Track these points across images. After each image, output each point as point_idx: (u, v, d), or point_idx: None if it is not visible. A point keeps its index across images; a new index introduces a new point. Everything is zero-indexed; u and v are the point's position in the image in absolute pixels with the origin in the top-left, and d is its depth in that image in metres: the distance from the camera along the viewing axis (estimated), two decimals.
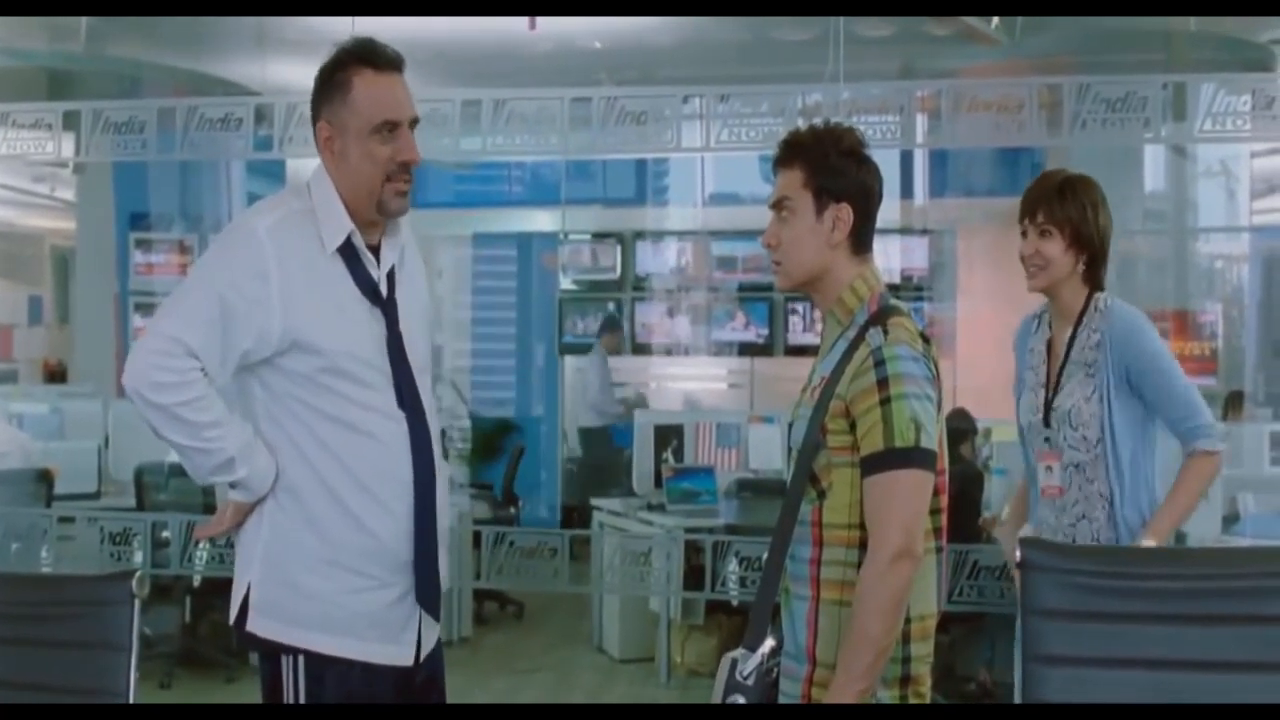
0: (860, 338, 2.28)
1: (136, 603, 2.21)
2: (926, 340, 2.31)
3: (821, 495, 2.29)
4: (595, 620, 6.67)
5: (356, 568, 2.34)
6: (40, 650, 2.25)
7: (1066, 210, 3.00)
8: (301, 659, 2.34)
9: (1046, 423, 3.08)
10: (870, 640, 2.18)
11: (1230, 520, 5.18)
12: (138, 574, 2.25)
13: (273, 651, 2.37)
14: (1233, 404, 6.68)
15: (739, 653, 2.23)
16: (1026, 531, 3.16)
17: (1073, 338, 3.05)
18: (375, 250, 2.41)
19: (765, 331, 10.10)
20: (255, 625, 2.37)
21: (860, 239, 2.36)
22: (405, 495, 2.36)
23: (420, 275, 2.55)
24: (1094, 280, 3.07)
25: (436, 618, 2.43)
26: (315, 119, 2.39)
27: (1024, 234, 3.06)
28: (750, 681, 2.21)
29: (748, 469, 6.37)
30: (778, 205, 2.38)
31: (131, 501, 5.97)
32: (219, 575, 4.96)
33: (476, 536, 5.45)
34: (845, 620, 2.24)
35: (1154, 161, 9.24)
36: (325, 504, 2.34)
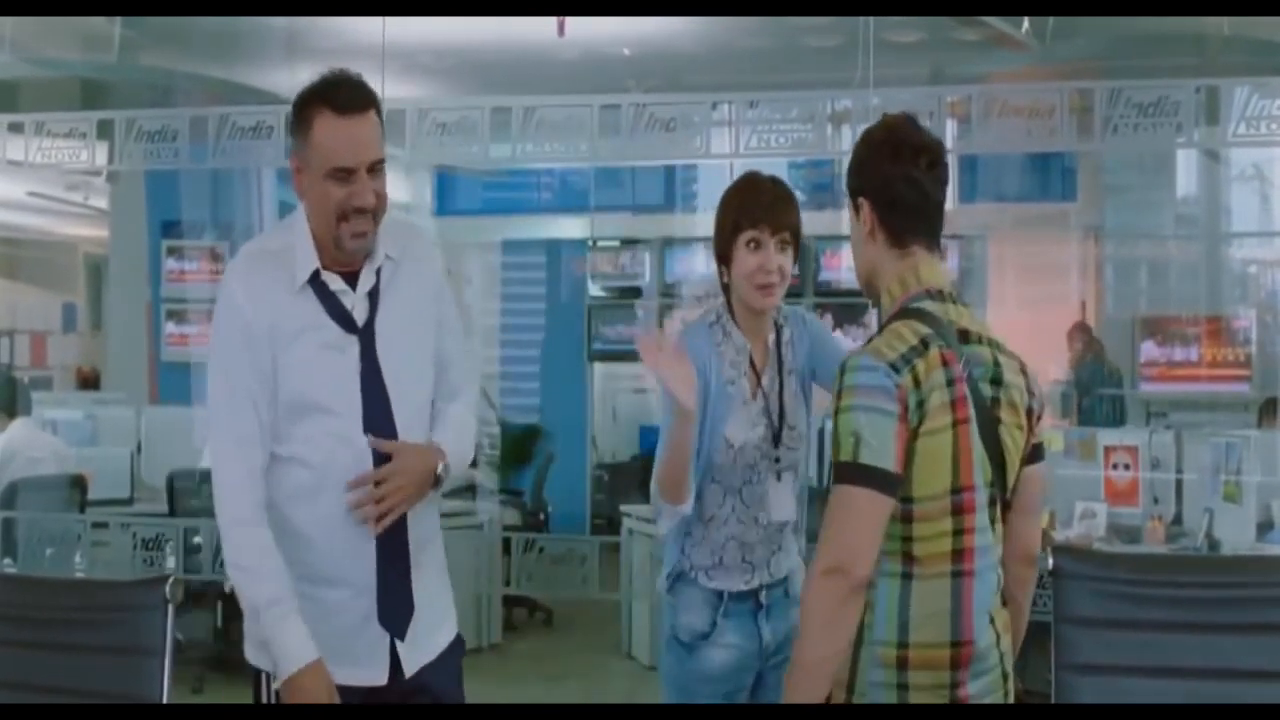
0: None
1: (170, 608, 2.22)
2: (925, 345, 2.06)
3: None
4: (624, 627, 6.65)
5: (310, 593, 2.32)
6: (74, 655, 2.26)
7: (795, 219, 2.79)
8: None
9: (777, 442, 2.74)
10: (798, 660, 2.04)
11: (1265, 528, 5.13)
12: (171, 579, 2.27)
13: (256, 672, 2.40)
14: (1267, 412, 6.60)
15: None
16: None
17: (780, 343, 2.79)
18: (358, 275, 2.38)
19: None
20: (247, 654, 2.41)
21: (890, 230, 2.17)
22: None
23: (422, 288, 2.46)
24: None
25: (402, 639, 2.39)
26: (290, 152, 2.39)
27: (756, 245, 2.71)
28: None
29: None
30: None
31: (164, 507, 6.01)
32: None
33: (506, 543, 5.44)
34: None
35: (1186, 166, 9.17)
36: (278, 531, 2.32)
